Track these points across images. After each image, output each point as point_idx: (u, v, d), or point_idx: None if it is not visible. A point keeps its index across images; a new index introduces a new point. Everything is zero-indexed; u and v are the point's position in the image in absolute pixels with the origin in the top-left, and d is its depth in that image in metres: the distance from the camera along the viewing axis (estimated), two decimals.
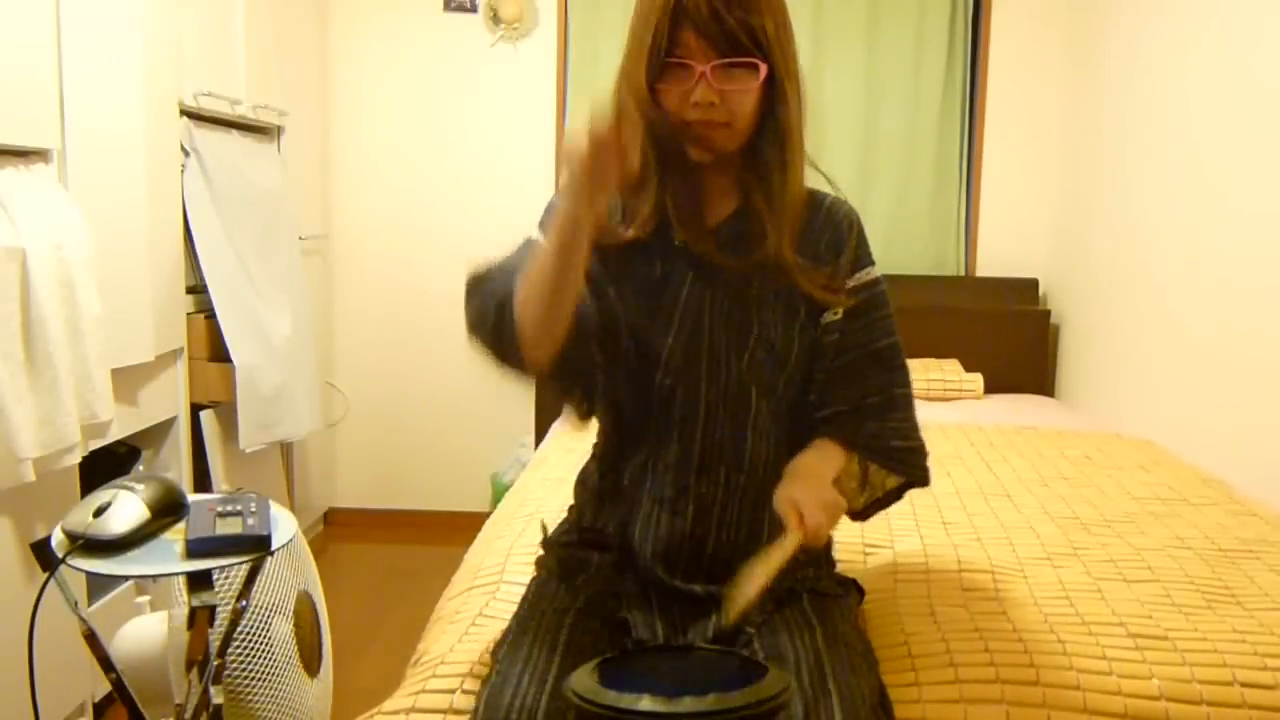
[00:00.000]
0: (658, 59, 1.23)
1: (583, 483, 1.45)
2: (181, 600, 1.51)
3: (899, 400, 1.38)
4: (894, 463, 1.40)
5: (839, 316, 1.35)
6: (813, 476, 1.28)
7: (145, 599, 1.66)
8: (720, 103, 1.23)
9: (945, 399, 3.32)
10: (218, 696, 1.41)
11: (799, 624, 1.26)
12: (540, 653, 1.21)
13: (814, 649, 1.21)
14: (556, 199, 1.36)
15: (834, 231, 1.36)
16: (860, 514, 1.47)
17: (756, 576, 1.15)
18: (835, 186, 1.41)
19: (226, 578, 1.52)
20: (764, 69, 1.23)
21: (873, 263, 1.39)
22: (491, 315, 1.24)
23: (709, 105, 1.22)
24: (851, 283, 1.35)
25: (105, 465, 2.34)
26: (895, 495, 1.46)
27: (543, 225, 1.36)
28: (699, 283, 1.32)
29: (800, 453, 1.33)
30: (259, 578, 1.51)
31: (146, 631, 1.56)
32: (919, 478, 1.42)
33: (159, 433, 2.62)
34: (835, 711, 1.12)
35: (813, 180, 1.37)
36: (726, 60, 1.21)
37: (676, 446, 1.32)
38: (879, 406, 1.36)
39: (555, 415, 3.11)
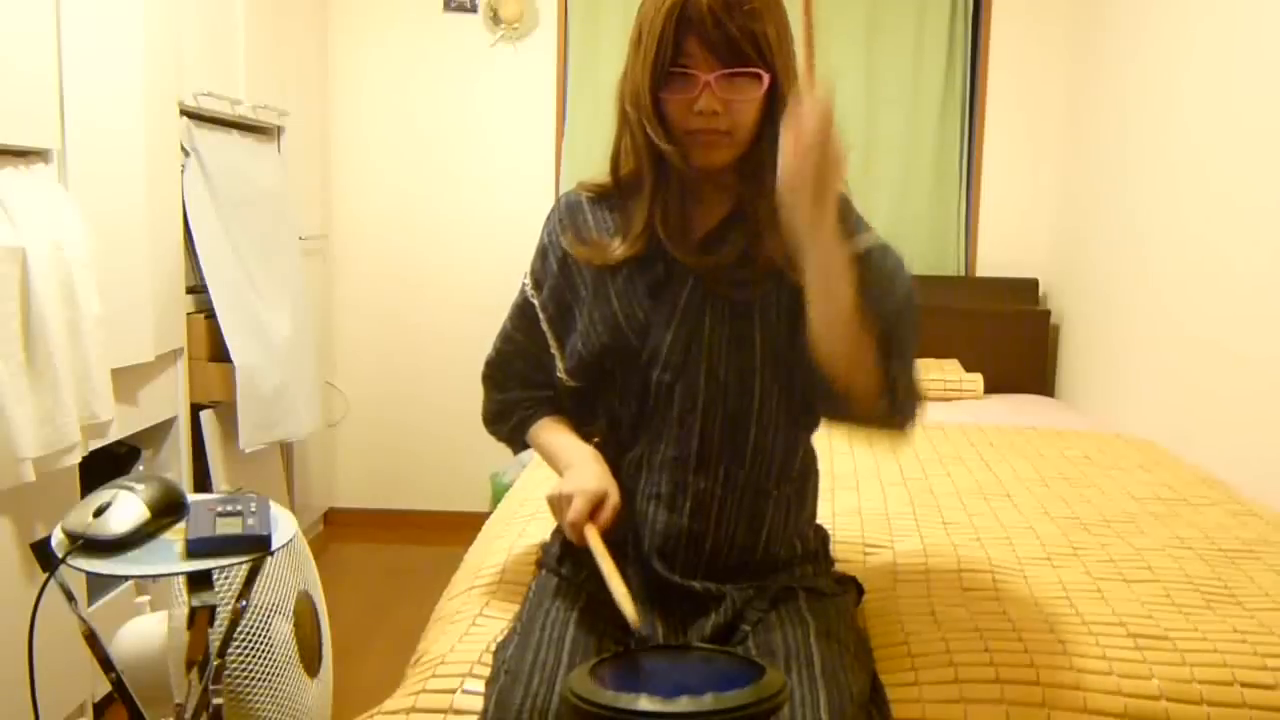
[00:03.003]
0: (662, 68, 1.23)
1: None
2: (181, 600, 1.51)
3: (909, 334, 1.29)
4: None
5: None
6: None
7: (145, 599, 1.66)
8: (723, 111, 1.23)
9: (945, 399, 3.32)
10: (218, 696, 1.41)
11: (792, 621, 1.26)
12: (548, 652, 1.21)
13: (805, 645, 1.21)
14: (545, 241, 1.43)
15: None
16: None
17: None
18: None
19: (226, 578, 1.52)
20: (767, 78, 1.23)
21: (869, 228, 1.30)
22: (505, 432, 1.53)
23: (712, 114, 1.23)
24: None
25: (105, 465, 2.34)
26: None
27: (537, 281, 1.43)
28: (700, 283, 1.32)
29: None
30: (259, 578, 1.51)
31: (146, 631, 1.56)
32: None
33: (159, 433, 2.62)
34: (822, 709, 1.12)
35: None
36: (730, 70, 1.21)
37: (674, 443, 1.33)
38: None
39: None
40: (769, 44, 1.22)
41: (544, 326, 1.42)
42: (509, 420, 1.50)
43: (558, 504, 1.29)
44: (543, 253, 1.43)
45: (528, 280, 1.45)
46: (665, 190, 1.31)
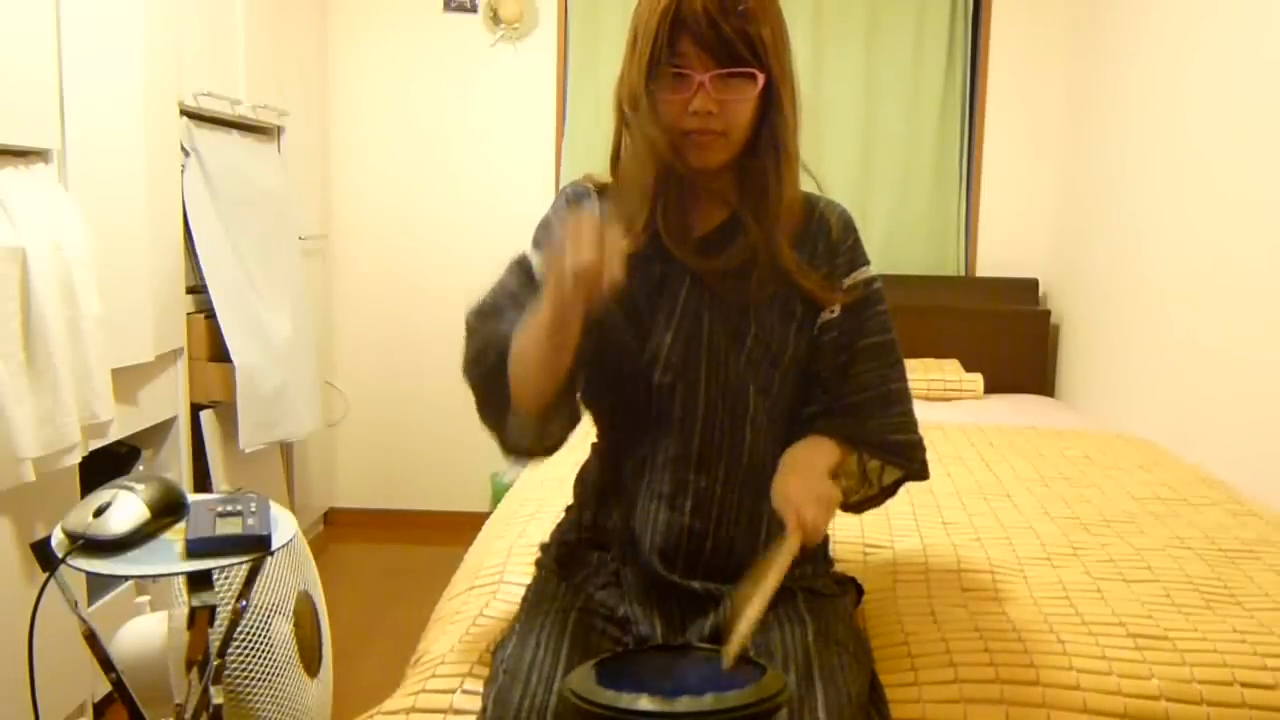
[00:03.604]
0: (656, 68, 1.23)
1: (583, 480, 1.46)
2: (181, 600, 1.51)
3: (895, 394, 1.39)
4: (894, 456, 1.41)
5: (836, 314, 1.35)
6: (807, 469, 1.28)
7: (145, 599, 1.66)
8: (718, 112, 1.23)
9: (945, 399, 3.32)
10: (218, 696, 1.41)
11: (791, 621, 1.26)
12: (546, 652, 1.21)
13: (803, 646, 1.21)
14: (551, 215, 1.40)
15: (827, 234, 1.37)
16: (854, 508, 1.47)
17: (755, 601, 1.14)
18: (820, 187, 1.41)
19: (226, 578, 1.52)
20: (761, 78, 1.23)
21: (868, 263, 1.40)
22: (484, 372, 1.31)
23: (707, 114, 1.23)
24: (848, 282, 1.36)
25: (105, 465, 2.34)
26: (890, 491, 1.46)
27: (537, 242, 1.39)
28: (698, 283, 1.32)
29: (794, 445, 1.33)
30: (259, 578, 1.51)
31: (146, 631, 1.56)
32: (918, 471, 1.43)
33: (159, 433, 2.62)
34: (820, 710, 1.12)
35: (806, 184, 1.38)
36: (725, 70, 1.21)
37: (675, 443, 1.32)
38: (876, 401, 1.37)
39: None
40: (764, 45, 1.23)
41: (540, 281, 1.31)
42: (489, 357, 1.30)
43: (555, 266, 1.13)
44: (547, 225, 1.39)
45: (529, 247, 1.38)
46: (665, 189, 1.31)
